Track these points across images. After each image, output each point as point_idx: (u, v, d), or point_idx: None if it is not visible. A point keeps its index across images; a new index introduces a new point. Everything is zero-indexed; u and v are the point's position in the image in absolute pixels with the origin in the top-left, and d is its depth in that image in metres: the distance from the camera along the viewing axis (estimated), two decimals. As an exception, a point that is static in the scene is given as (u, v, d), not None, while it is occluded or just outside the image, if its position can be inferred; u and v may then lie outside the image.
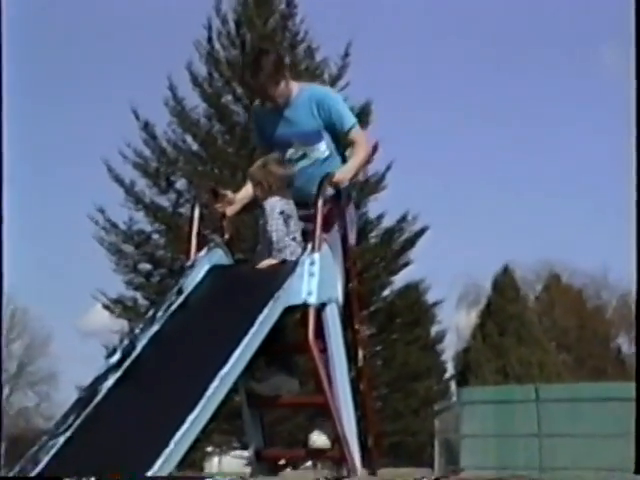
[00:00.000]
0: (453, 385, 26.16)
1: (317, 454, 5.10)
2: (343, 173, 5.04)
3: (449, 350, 27.68)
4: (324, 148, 5.17)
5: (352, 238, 5.26)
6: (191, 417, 3.91)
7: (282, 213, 4.88)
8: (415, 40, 42.26)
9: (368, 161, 5.34)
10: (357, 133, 5.21)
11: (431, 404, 20.31)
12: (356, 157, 5.16)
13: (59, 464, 3.91)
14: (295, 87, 5.20)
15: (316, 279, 4.73)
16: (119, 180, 17.52)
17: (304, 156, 5.17)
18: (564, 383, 26.08)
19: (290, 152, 5.17)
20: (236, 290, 4.83)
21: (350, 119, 5.20)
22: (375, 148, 5.38)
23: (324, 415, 4.81)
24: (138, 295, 17.65)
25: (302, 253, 4.81)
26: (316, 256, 4.77)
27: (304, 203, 5.00)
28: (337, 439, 4.84)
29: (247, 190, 5.21)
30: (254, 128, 5.53)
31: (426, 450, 26.58)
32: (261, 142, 5.42)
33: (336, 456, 4.89)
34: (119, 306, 17.44)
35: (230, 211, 5.15)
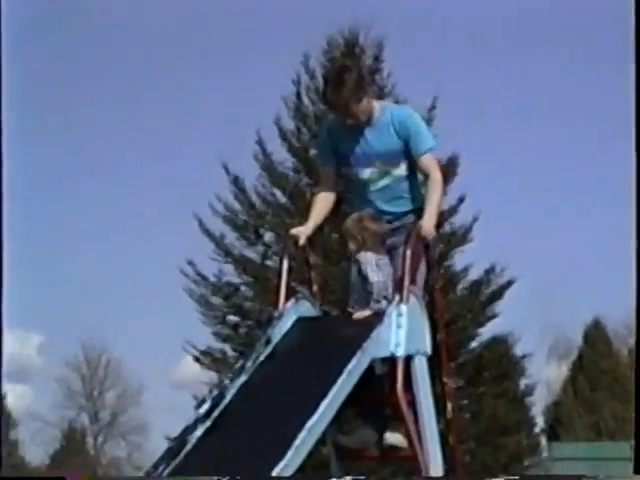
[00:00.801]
0: (543, 440, 25.64)
1: (391, 452, 4.98)
2: (429, 222, 4.96)
3: (539, 404, 27.17)
4: (405, 166, 5.12)
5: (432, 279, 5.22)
6: (278, 468, 3.92)
7: (377, 266, 4.91)
8: (498, 92, 42.13)
9: (443, 191, 5.22)
10: (430, 161, 5.10)
11: (520, 459, 19.93)
12: (434, 195, 5.03)
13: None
14: (377, 106, 5.14)
15: (404, 331, 4.72)
16: (209, 234, 17.80)
17: (386, 174, 5.13)
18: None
19: (370, 171, 5.14)
20: (323, 341, 4.85)
21: (427, 143, 5.10)
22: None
23: (398, 417, 4.71)
24: (226, 347, 17.82)
25: (390, 304, 4.82)
26: (403, 307, 4.77)
27: (387, 221, 5.05)
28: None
29: (317, 214, 5.21)
30: (323, 143, 5.32)
31: (516, 507, 26.04)
32: (329, 159, 5.28)
33: (411, 455, 4.74)
34: (208, 357, 17.62)
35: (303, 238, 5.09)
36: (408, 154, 5.10)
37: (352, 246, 4.99)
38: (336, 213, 5.41)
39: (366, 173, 5.16)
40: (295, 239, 5.12)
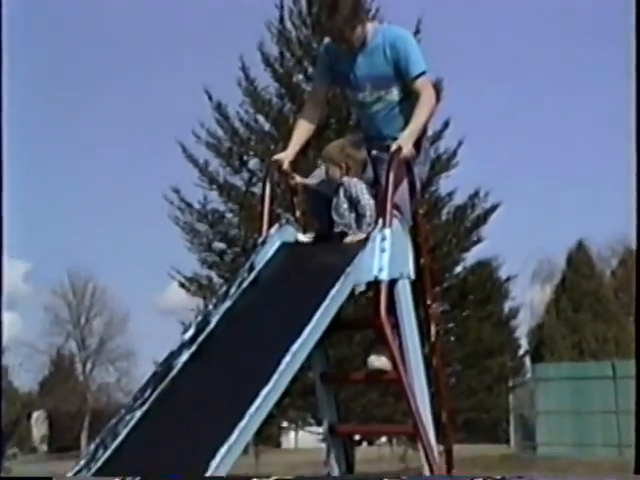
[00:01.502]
0: (527, 361, 25.96)
1: (376, 376, 5.04)
2: (407, 140, 4.89)
3: (523, 326, 27.44)
4: (398, 90, 5.07)
5: (424, 172, 5.25)
6: (264, 391, 3.95)
7: (366, 189, 4.91)
8: (484, 12, 41.72)
9: (433, 113, 5.11)
10: (423, 83, 5.01)
11: (505, 380, 20.18)
12: (419, 115, 4.96)
13: (136, 437, 4.00)
14: (370, 28, 5.08)
15: (387, 255, 4.72)
16: (193, 160, 17.70)
17: (378, 99, 5.10)
18: (642, 359, 25.60)
19: (363, 95, 5.12)
20: (307, 266, 4.86)
21: (418, 66, 5.01)
22: (438, 89, 5.25)
23: (382, 342, 4.75)
24: (212, 273, 17.86)
25: (372, 228, 4.83)
26: (387, 232, 4.77)
27: (380, 147, 5.03)
28: (411, 414, 4.86)
29: (297, 139, 5.19)
30: (321, 64, 5.27)
31: (501, 426, 26.45)
32: (322, 77, 5.29)
33: (396, 378, 4.78)
34: (194, 284, 17.66)
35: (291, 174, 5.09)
36: (400, 78, 5.04)
37: (335, 173, 4.98)
38: (320, 136, 5.39)
39: (359, 97, 5.14)
40: (278, 165, 5.10)
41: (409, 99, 5.08)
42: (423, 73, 5.04)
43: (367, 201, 4.90)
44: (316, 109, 5.32)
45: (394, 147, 4.90)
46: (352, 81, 5.13)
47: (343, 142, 5.04)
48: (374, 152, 5.14)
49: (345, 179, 4.94)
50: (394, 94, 5.09)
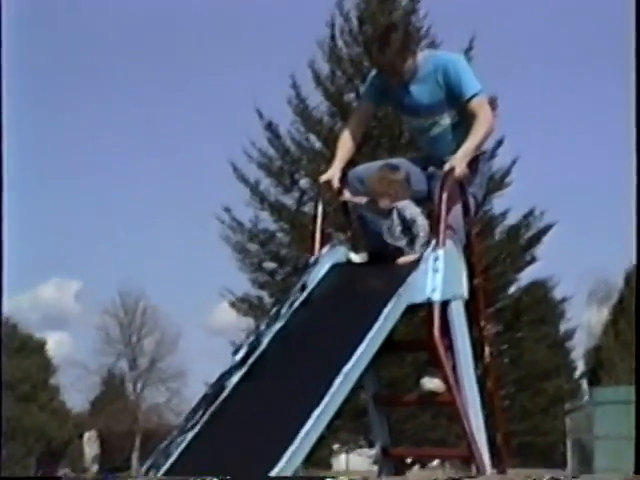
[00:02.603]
0: (585, 384, 25.60)
1: (429, 398, 4.96)
2: (460, 160, 4.85)
3: (579, 348, 27.10)
4: (453, 114, 5.03)
5: (480, 193, 5.17)
6: (315, 413, 3.90)
7: (417, 209, 4.86)
8: (539, 33, 41.48)
9: (490, 133, 5.05)
10: (478, 103, 4.96)
11: (561, 403, 19.92)
12: (475, 135, 4.92)
13: (188, 459, 3.96)
14: (420, 57, 5.04)
15: (440, 275, 4.66)
16: (244, 180, 17.77)
17: (434, 124, 5.06)
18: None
19: (418, 121, 5.09)
20: (359, 286, 4.81)
21: (472, 87, 4.96)
22: (493, 107, 5.15)
23: (435, 364, 4.69)
24: (263, 293, 17.87)
25: (426, 249, 4.76)
26: (440, 252, 4.70)
27: (438, 166, 4.97)
28: (465, 437, 4.77)
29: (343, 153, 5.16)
30: (371, 85, 5.19)
31: (557, 450, 26.09)
32: (372, 96, 5.22)
33: (450, 400, 4.71)
34: (245, 304, 17.70)
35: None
36: (454, 102, 5.00)
37: (385, 202, 4.89)
38: (373, 155, 5.35)
39: (414, 123, 5.13)
40: (329, 184, 5.05)
41: (465, 121, 5.02)
42: (478, 93, 4.99)
43: (422, 221, 4.85)
44: (360, 126, 5.29)
45: (447, 167, 4.85)
46: (406, 108, 5.10)
47: (381, 171, 4.96)
48: (431, 169, 5.09)
49: (398, 204, 4.88)
50: (449, 118, 5.05)
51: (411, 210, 4.87)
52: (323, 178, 5.11)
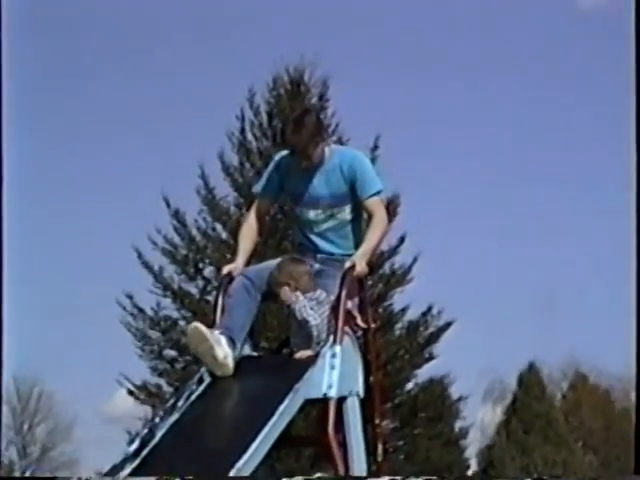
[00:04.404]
0: (476, 483, 25.67)
1: None
2: (361, 257, 4.99)
3: (473, 446, 27.28)
4: (350, 209, 5.17)
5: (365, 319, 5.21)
6: (207, 508, 3.89)
7: (312, 309, 4.90)
8: (441, 133, 42.64)
9: (386, 233, 5.26)
10: (376, 203, 5.14)
11: (454, 502, 19.96)
12: (373, 234, 5.08)
13: None
14: (326, 149, 5.17)
15: (337, 372, 4.73)
16: (148, 266, 17.69)
17: (330, 217, 5.16)
18: (589, 485, 25.46)
19: (315, 213, 5.16)
20: (256, 380, 4.83)
21: (374, 185, 5.13)
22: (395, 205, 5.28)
23: (329, 458, 4.69)
24: (162, 381, 17.65)
25: (322, 346, 4.83)
26: (337, 348, 4.78)
27: (327, 263, 5.08)
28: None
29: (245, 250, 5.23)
30: (269, 175, 5.26)
31: None
32: (270, 191, 5.28)
33: None
34: (143, 392, 17.44)
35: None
36: (354, 197, 5.13)
37: (287, 293, 4.96)
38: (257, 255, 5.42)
39: (311, 214, 5.18)
40: (230, 276, 5.12)
41: (359, 218, 5.19)
42: (378, 192, 5.15)
43: (314, 321, 4.90)
44: (260, 222, 5.35)
45: (348, 264, 4.95)
46: (304, 199, 5.18)
47: (282, 262, 5.05)
48: (317, 265, 5.15)
49: (293, 300, 4.93)
50: (346, 212, 5.18)
51: (303, 310, 4.90)
52: (225, 269, 5.17)
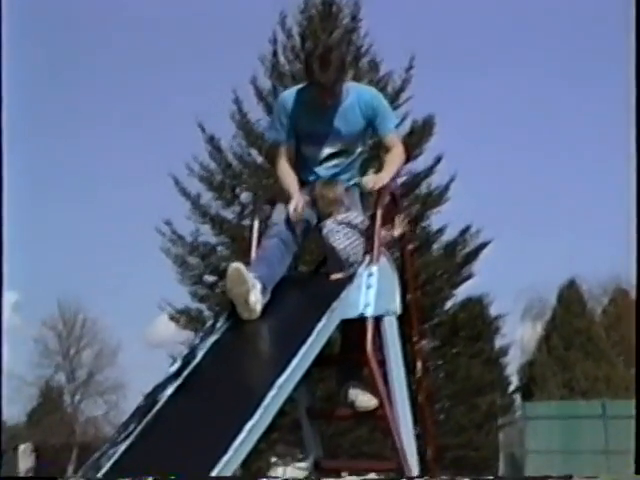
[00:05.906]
0: (518, 399, 25.89)
1: (362, 412, 4.98)
2: (382, 175, 5.06)
3: (513, 364, 27.41)
4: (362, 145, 5.21)
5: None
6: (248, 425, 3.95)
7: (339, 232, 4.89)
8: (479, 53, 42.01)
9: (401, 168, 5.37)
10: (395, 139, 5.22)
11: (495, 418, 20.15)
12: (390, 166, 5.15)
13: (119, 471, 3.98)
14: (343, 88, 5.10)
15: (374, 291, 4.76)
16: (185, 193, 17.75)
17: (344, 152, 5.14)
18: (631, 399, 25.56)
19: (330, 149, 5.11)
20: (294, 301, 4.88)
21: (391, 122, 5.22)
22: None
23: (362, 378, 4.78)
24: (203, 306, 17.84)
25: (360, 265, 4.84)
26: (374, 268, 4.80)
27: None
28: (396, 452, 4.85)
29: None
30: (282, 120, 5.10)
31: (490, 465, 26.33)
32: (290, 136, 5.12)
33: (381, 414, 4.80)
34: (184, 317, 17.64)
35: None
36: (367, 134, 5.18)
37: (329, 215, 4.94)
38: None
39: (325, 151, 5.12)
40: (297, 215, 4.95)
41: (364, 154, 5.24)
42: (394, 130, 5.24)
43: (339, 245, 4.89)
44: (292, 165, 5.15)
45: (375, 185, 4.97)
46: (320, 137, 5.09)
47: (315, 184, 5.03)
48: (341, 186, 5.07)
49: (323, 224, 4.94)
50: (358, 148, 5.19)
51: (330, 235, 4.90)
52: (292, 206, 4.97)
